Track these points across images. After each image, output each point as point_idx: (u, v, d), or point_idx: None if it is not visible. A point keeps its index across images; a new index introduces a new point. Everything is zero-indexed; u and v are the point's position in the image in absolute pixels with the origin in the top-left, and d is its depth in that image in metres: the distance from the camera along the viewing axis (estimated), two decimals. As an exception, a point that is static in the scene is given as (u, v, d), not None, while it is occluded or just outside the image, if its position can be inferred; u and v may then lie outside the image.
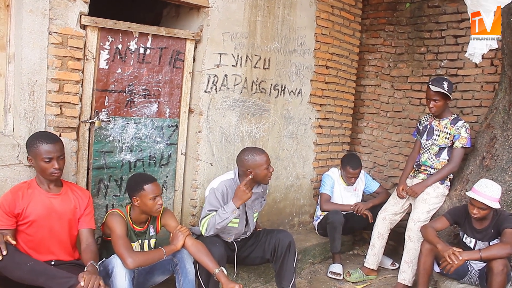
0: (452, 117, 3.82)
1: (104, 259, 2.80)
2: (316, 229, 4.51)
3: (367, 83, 5.20)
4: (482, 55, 3.38)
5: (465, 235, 3.42)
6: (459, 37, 4.42)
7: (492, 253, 3.05)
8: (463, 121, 3.80)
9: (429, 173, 3.88)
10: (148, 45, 3.38)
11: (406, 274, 3.72)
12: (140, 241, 2.94)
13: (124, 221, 2.78)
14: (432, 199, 3.78)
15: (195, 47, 3.63)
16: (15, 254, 2.38)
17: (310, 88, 4.47)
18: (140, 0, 4.61)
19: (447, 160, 3.83)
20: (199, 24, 3.63)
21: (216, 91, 3.72)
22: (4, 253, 2.31)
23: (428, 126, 3.92)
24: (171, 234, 2.97)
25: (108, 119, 3.22)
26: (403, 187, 3.94)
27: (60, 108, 2.92)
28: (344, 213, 4.16)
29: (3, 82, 2.84)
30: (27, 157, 2.66)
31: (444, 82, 3.71)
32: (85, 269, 2.47)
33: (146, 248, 2.96)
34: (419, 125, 4.07)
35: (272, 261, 3.36)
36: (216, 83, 3.71)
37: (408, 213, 3.95)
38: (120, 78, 3.28)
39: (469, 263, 3.36)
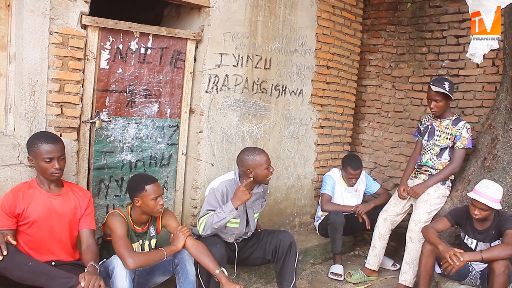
0: (454, 118, 3.81)
1: (104, 259, 2.79)
2: (317, 229, 4.50)
3: (368, 83, 5.19)
4: (483, 55, 3.38)
5: (467, 236, 3.41)
6: (461, 37, 4.41)
7: (493, 254, 3.05)
8: (465, 121, 3.79)
9: (430, 173, 3.87)
10: (149, 45, 3.37)
11: (407, 275, 3.71)
12: (140, 241, 2.93)
13: (124, 221, 2.78)
14: (433, 199, 3.77)
15: (196, 47, 3.63)
16: (15, 254, 2.37)
17: (311, 88, 4.47)
18: (141, 0, 4.61)
19: (448, 161, 3.82)
20: (200, 24, 3.63)
21: (217, 91, 3.71)
22: (5, 253, 2.31)
23: (429, 127, 3.92)
24: (172, 235, 2.97)
25: (109, 119, 3.21)
26: (404, 188, 3.94)
27: (61, 108, 2.92)
28: (345, 213, 4.15)
29: (4, 82, 2.84)
30: (28, 157, 2.65)
31: (445, 83, 3.71)
32: (85, 270, 2.47)
33: (146, 248, 2.96)
34: (420, 125, 4.06)
35: (273, 261, 3.36)
36: (217, 83, 3.70)
37: (409, 214, 3.94)
38: (121, 78, 3.28)
39: (470, 264, 3.36)
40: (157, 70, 3.45)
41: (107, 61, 3.18)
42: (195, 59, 3.64)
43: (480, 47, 3.34)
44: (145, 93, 3.42)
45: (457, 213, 3.46)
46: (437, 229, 3.39)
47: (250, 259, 3.41)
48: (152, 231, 2.99)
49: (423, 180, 3.88)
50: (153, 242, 3.00)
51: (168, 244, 2.92)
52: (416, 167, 4.01)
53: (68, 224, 2.68)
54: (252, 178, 3.13)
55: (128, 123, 3.37)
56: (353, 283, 3.95)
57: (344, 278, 4.01)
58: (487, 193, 3.16)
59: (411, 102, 4.84)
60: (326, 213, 4.27)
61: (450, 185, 3.88)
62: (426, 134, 3.93)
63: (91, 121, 3.15)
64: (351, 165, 4.31)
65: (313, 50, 4.41)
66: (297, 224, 4.63)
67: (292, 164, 4.44)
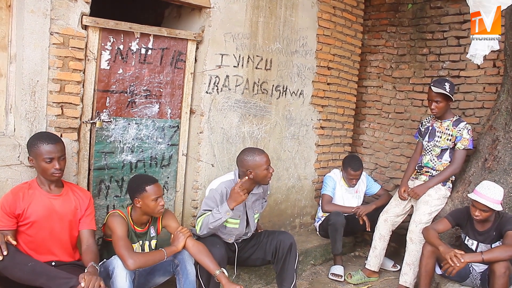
0: (454, 119, 3.81)
1: (104, 260, 2.79)
2: (318, 230, 4.50)
3: (369, 84, 5.19)
4: (484, 57, 3.38)
5: (467, 237, 3.40)
6: (461, 38, 4.41)
7: (494, 255, 3.04)
8: (465, 122, 3.79)
9: (431, 174, 3.87)
10: (150, 45, 3.38)
11: (407, 276, 3.71)
12: (141, 242, 2.93)
13: (125, 222, 2.78)
14: (434, 201, 3.76)
15: (197, 48, 3.63)
16: (15, 254, 2.38)
17: (312, 89, 4.47)
18: (142, 1, 4.61)
19: (449, 162, 3.81)
20: (200, 24, 3.63)
21: (217, 92, 3.71)
22: (5, 253, 2.32)
23: (430, 128, 3.91)
24: (172, 235, 2.97)
25: (109, 120, 3.22)
26: (404, 189, 3.93)
27: (61, 109, 2.92)
28: (345, 214, 4.15)
29: (5, 82, 2.84)
30: (28, 158, 2.66)
31: (446, 84, 3.70)
32: (85, 270, 2.47)
33: (147, 249, 2.96)
34: (421, 126, 4.06)
35: (273, 262, 3.35)
36: (217, 84, 3.70)
37: (410, 215, 3.94)
38: (122, 78, 3.28)
39: (471, 266, 3.35)
40: (157, 70, 3.45)
41: (108, 61, 3.18)
42: (195, 60, 3.64)
43: (481, 48, 3.34)
44: (145, 94, 3.42)
45: (457, 214, 3.46)
46: (437, 230, 3.39)
47: (250, 259, 3.40)
48: (152, 232, 2.99)
49: (424, 181, 3.87)
50: (153, 242, 3.00)
51: (168, 244, 2.92)
52: (416, 168, 4.01)
53: (68, 225, 2.68)
54: (247, 178, 3.13)
55: (129, 124, 3.37)
56: (354, 284, 3.95)
57: (345, 279, 4.00)
58: (488, 194, 3.16)
59: (412, 103, 4.83)
60: (327, 214, 4.27)
61: (451, 186, 3.88)
62: (427, 135, 3.92)
63: (91, 121, 3.15)
64: (352, 166, 4.31)
65: (313, 51, 4.41)
66: (298, 225, 4.62)
67: (293, 164, 4.44)
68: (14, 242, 2.42)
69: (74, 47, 2.92)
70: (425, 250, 3.37)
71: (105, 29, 3.11)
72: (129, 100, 3.35)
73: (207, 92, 3.65)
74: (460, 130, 3.73)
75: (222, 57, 3.69)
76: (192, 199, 3.75)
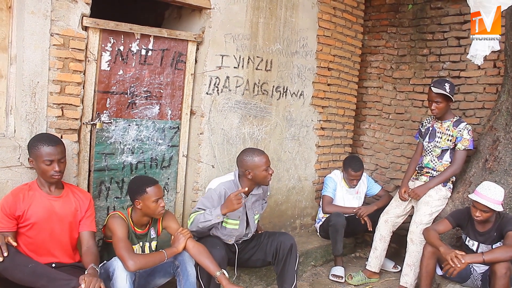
0: (455, 119, 3.81)
1: (105, 261, 2.79)
2: (318, 231, 4.50)
3: (369, 85, 5.18)
4: (484, 57, 3.37)
5: (468, 238, 3.40)
6: (462, 38, 4.41)
7: (495, 256, 3.03)
8: (466, 123, 3.79)
9: (431, 175, 3.87)
10: (150, 46, 3.37)
11: (408, 277, 3.70)
12: (141, 243, 2.93)
13: (125, 223, 2.78)
14: (435, 201, 3.76)
15: (197, 49, 3.63)
16: (16, 255, 2.37)
17: (312, 90, 4.46)
18: (142, 2, 4.61)
19: (450, 162, 3.81)
20: (201, 25, 3.63)
21: (218, 93, 3.71)
22: (5, 254, 2.31)
23: (431, 128, 3.91)
24: (172, 237, 2.96)
25: (109, 121, 3.21)
26: (405, 190, 3.93)
27: (62, 110, 2.92)
28: (346, 215, 4.14)
29: (5, 83, 2.84)
30: (28, 159, 2.65)
31: (446, 84, 3.70)
32: (86, 272, 2.46)
33: (147, 250, 2.95)
34: (421, 127, 4.06)
35: (273, 263, 3.35)
36: (218, 85, 3.70)
37: (410, 216, 3.93)
38: (122, 79, 3.28)
39: (472, 266, 3.34)
40: (158, 71, 3.45)
41: (108, 62, 3.18)
42: (196, 61, 3.64)
43: (481, 49, 3.33)
44: (146, 95, 3.42)
45: (458, 215, 3.45)
46: (438, 231, 3.38)
47: (251, 261, 3.40)
48: (153, 233, 2.99)
49: (424, 181, 3.87)
50: (154, 244, 3.00)
51: (168, 246, 2.91)
52: (417, 168, 4.00)
53: (68, 226, 2.67)
54: (246, 189, 3.14)
55: (129, 125, 3.37)
56: (354, 285, 3.94)
57: (345, 280, 4.00)
58: (489, 194, 3.15)
59: (412, 103, 4.83)
60: (327, 215, 4.27)
61: (451, 186, 3.87)
62: (427, 136, 3.92)
63: (91, 122, 3.15)
64: (352, 166, 4.31)
65: (314, 51, 4.40)
66: (298, 226, 4.62)
67: (293, 165, 4.43)
68: (14, 243, 2.41)
69: (75, 48, 2.91)
70: (426, 251, 3.37)
71: (105, 30, 3.11)
72: (129, 101, 3.35)
73: (207, 93, 3.65)
74: (460, 131, 3.73)
75: (222, 58, 3.69)
76: (193, 200, 3.74)
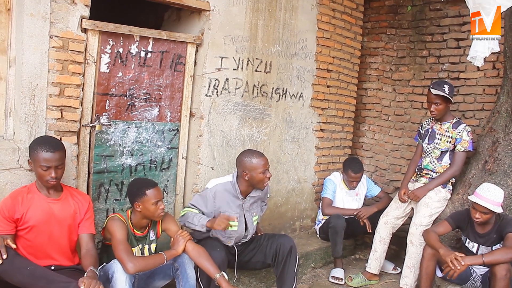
0: (454, 121, 3.81)
1: (104, 264, 2.78)
2: (318, 233, 4.49)
3: (369, 87, 5.19)
4: (484, 58, 3.37)
5: (468, 240, 3.40)
6: (461, 40, 4.41)
7: (495, 258, 3.03)
8: (465, 124, 3.78)
9: (431, 177, 3.86)
10: (149, 48, 3.37)
11: (408, 279, 3.70)
12: (140, 245, 2.92)
13: (124, 225, 2.77)
14: (434, 203, 3.76)
15: (196, 51, 3.63)
16: (15, 258, 2.37)
17: (312, 91, 4.46)
18: (141, 4, 4.60)
19: (449, 164, 3.81)
20: (200, 27, 3.63)
21: (217, 94, 3.71)
22: (4, 256, 2.31)
23: (430, 130, 3.91)
24: (172, 239, 2.96)
25: (109, 123, 3.21)
26: (405, 191, 3.93)
27: (61, 112, 2.92)
28: (345, 217, 4.14)
29: (4, 86, 2.84)
30: (28, 160, 2.65)
31: (445, 86, 3.70)
32: (85, 274, 2.46)
33: (146, 253, 2.95)
34: (421, 129, 4.06)
35: (273, 265, 3.34)
36: (217, 86, 3.70)
37: (410, 218, 3.93)
38: (121, 82, 3.28)
39: (472, 268, 3.34)
40: (157, 73, 3.45)
41: (107, 64, 3.18)
42: (195, 63, 3.64)
43: (481, 50, 3.33)
44: (145, 97, 3.42)
45: (458, 217, 3.45)
46: (438, 233, 3.38)
47: (251, 263, 3.39)
48: (152, 235, 2.98)
49: (424, 183, 3.87)
50: (153, 246, 2.99)
51: (168, 248, 2.90)
52: (416, 170, 4.00)
53: (67, 229, 2.67)
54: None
55: (128, 127, 3.37)
56: (354, 287, 3.94)
57: (345, 282, 3.99)
58: (488, 196, 3.15)
59: (412, 105, 4.83)
60: (327, 217, 4.26)
61: (451, 188, 3.87)
62: (427, 138, 3.92)
63: (91, 125, 3.14)
64: (352, 168, 4.31)
65: (313, 53, 4.41)
66: (298, 227, 4.61)
67: (293, 167, 4.43)
68: (13, 246, 2.41)
69: (74, 51, 2.91)
70: (426, 253, 3.36)
71: (104, 32, 3.11)
72: (128, 103, 3.34)
73: (206, 95, 3.65)
74: (460, 132, 3.73)
75: (221, 60, 3.69)
76: (192, 202, 3.74)
